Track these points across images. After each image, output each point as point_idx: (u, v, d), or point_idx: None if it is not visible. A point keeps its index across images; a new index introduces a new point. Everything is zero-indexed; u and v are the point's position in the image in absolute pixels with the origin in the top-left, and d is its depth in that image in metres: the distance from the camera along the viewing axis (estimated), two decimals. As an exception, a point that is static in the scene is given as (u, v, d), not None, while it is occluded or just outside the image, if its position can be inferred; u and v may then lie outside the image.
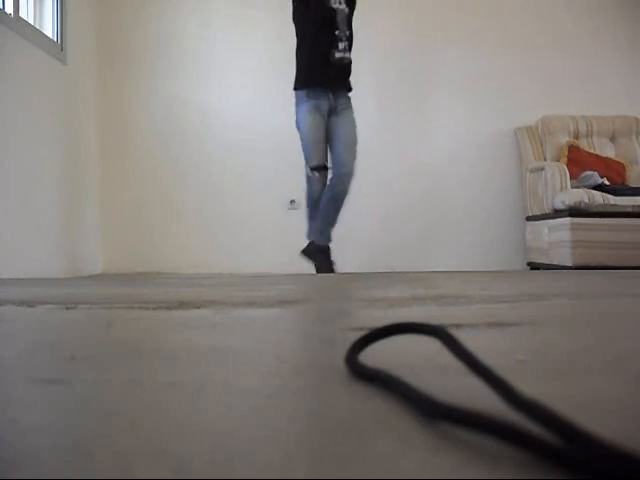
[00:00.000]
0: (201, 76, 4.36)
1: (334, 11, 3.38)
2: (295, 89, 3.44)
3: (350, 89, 3.47)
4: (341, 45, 3.37)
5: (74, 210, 3.86)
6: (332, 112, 3.42)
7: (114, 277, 3.59)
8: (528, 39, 4.43)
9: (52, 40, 3.60)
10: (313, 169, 3.38)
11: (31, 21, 3.40)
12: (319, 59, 3.37)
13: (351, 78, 3.45)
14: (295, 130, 3.48)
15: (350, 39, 3.43)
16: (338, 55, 3.36)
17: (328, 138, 3.44)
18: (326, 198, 3.37)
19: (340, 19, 3.39)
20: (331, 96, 3.40)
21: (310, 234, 3.46)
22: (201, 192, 4.30)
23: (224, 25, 4.38)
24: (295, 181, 4.23)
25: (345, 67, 3.40)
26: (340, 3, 3.41)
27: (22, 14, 3.25)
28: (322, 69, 3.36)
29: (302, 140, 3.42)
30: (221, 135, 4.32)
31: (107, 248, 4.28)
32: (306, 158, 3.41)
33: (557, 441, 0.32)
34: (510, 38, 4.42)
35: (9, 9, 3.08)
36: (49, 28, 3.62)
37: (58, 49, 3.65)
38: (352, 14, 3.46)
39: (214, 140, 4.32)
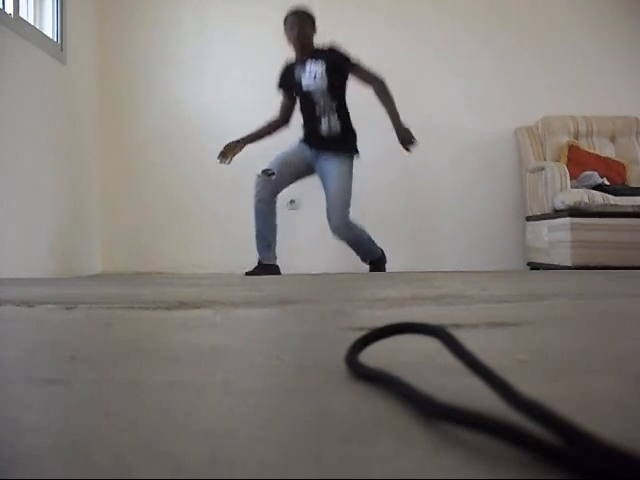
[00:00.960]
0: (201, 76, 4.36)
1: (308, 93, 3.34)
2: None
3: (350, 152, 3.37)
4: (324, 121, 3.33)
5: (73, 209, 3.86)
6: (317, 165, 3.38)
7: (114, 277, 3.59)
8: (528, 39, 4.43)
9: (52, 40, 3.60)
10: (263, 170, 3.40)
11: (31, 21, 3.40)
12: (310, 133, 3.39)
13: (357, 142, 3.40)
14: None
15: (339, 106, 3.34)
16: (324, 130, 3.34)
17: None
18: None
19: (317, 97, 3.33)
20: (315, 153, 3.36)
21: (258, 250, 3.41)
22: (201, 192, 4.30)
23: (224, 24, 4.38)
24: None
25: (336, 139, 3.33)
26: (314, 79, 3.32)
27: (22, 14, 3.25)
28: (313, 138, 3.37)
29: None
30: (221, 135, 4.31)
31: (107, 248, 4.28)
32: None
33: (557, 441, 0.32)
34: (510, 38, 4.42)
35: (9, 9, 3.08)
36: (49, 28, 3.62)
37: (58, 49, 3.65)
38: (339, 81, 3.34)
39: (214, 140, 4.31)
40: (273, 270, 3.39)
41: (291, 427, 0.40)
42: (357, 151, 3.39)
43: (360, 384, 0.51)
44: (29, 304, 1.33)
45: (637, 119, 4.28)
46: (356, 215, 4.12)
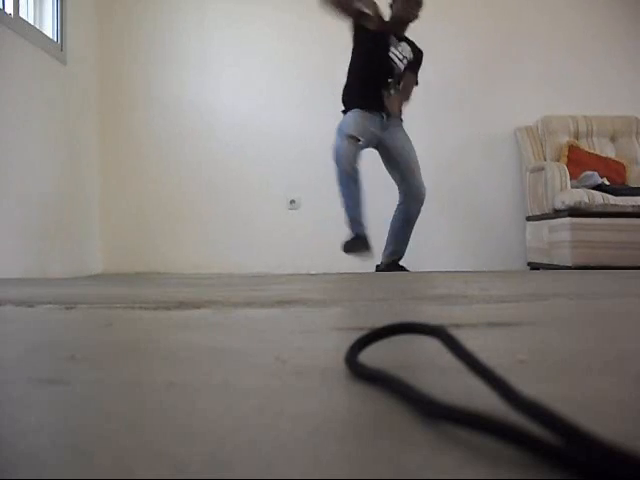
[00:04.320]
0: (201, 76, 4.36)
1: (394, 63, 3.38)
2: (346, 108, 3.39)
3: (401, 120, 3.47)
4: (390, 93, 3.35)
5: (74, 209, 3.86)
6: (386, 135, 3.37)
7: (114, 277, 3.59)
8: (528, 39, 4.43)
9: (52, 40, 3.60)
10: (347, 135, 3.23)
11: (31, 21, 3.40)
12: (372, 92, 3.34)
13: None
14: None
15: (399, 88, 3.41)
16: (388, 95, 3.33)
17: (389, 163, 3.42)
18: (399, 221, 3.40)
19: (397, 72, 3.38)
20: (385, 118, 3.37)
21: (352, 223, 3.28)
22: (201, 192, 4.30)
23: (224, 24, 4.38)
24: (295, 181, 4.24)
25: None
26: (404, 57, 3.39)
27: (22, 14, 3.25)
28: (375, 100, 3.34)
29: (339, 127, 3.30)
30: (221, 135, 4.32)
31: (107, 248, 4.28)
32: (340, 130, 3.27)
33: (557, 441, 0.32)
34: (510, 38, 4.42)
35: (9, 9, 3.08)
36: (49, 28, 3.62)
37: (58, 49, 3.65)
38: (413, 72, 3.44)
39: (214, 140, 4.32)
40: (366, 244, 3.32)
41: (291, 427, 0.40)
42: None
43: (360, 384, 0.51)
44: (29, 304, 1.33)
45: (637, 119, 4.28)
46: (356, 215, 4.12)
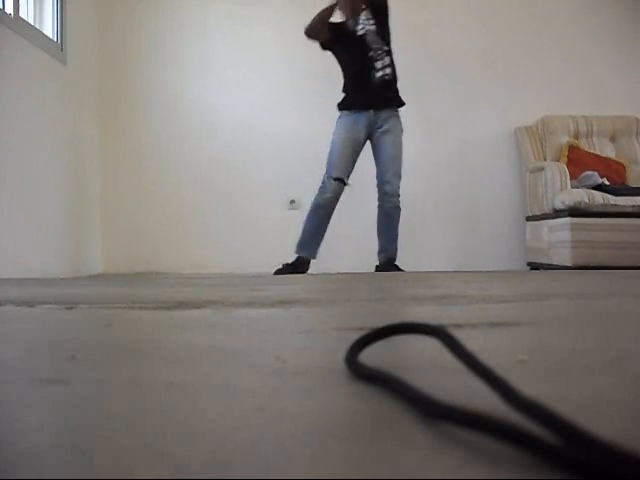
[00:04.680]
0: (201, 76, 4.36)
1: (361, 37, 3.42)
2: (339, 109, 3.49)
3: (399, 104, 3.49)
4: (379, 64, 3.42)
5: (74, 210, 3.86)
6: (374, 130, 3.44)
7: (114, 277, 3.59)
8: (528, 39, 4.43)
9: (52, 40, 3.60)
10: (331, 178, 3.39)
11: (31, 21, 3.40)
12: (360, 84, 3.42)
13: (400, 93, 3.49)
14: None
15: (388, 52, 3.45)
16: (378, 75, 3.41)
17: (374, 155, 3.48)
18: (380, 217, 3.45)
19: (370, 39, 3.42)
20: (372, 114, 3.42)
21: (299, 247, 3.43)
22: (201, 192, 4.30)
23: (224, 24, 4.37)
24: (295, 181, 4.24)
25: (387, 84, 3.43)
26: (367, 24, 3.44)
27: (22, 14, 3.25)
28: (363, 92, 3.41)
29: (330, 149, 3.44)
30: (221, 135, 4.32)
31: (107, 248, 4.28)
32: (328, 166, 3.43)
33: (557, 441, 0.32)
34: (510, 38, 4.42)
35: (9, 9, 3.08)
36: (49, 28, 3.62)
37: (58, 49, 3.65)
38: (384, 26, 3.46)
39: (214, 140, 4.32)
40: (305, 267, 3.42)
41: (291, 427, 0.40)
42: (403, 102, 3.50)
43: (360, 384, 0.51)
44: (29, 304, 1.33)
45: (637, 119, 4.28)
46: (357, 215, 4.13)
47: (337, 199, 3.41)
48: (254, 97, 4.31)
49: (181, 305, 1.28)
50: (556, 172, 3.80)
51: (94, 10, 4.26)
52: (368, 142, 3.50)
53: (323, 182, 3.41)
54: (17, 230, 3.08)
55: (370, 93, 3.40)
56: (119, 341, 0.85)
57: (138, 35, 4.35)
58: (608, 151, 4.21)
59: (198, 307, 1.25)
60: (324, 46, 3.51)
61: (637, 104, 4.37)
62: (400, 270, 3.45)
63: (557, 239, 3.71)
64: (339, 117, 3.48)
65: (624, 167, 4.12)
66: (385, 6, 3.48)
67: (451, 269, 3.96)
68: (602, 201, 3.60)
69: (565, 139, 4.20)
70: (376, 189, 3.47)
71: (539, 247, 3.97)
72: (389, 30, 3.48)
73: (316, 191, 3.47)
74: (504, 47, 4.42)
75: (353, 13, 3.46)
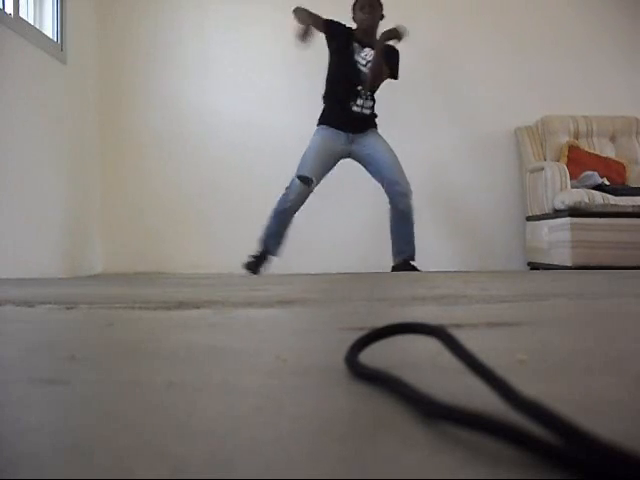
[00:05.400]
0: (201, 76, 4.36)
1: (358, 71, 3.43)
2: (319, 123, 3.50)
3: (374, 127, 3.52)
4: (360, 101, 3.45)
5: (74, 210, 3.86)
6: (356, 147, 3.45)
7: (114, 277, 3.59)
8: (528, 39, 4.43)
9: (52, 40, 3.60)
10: (299, 177, 3.39)
11: (31, 21, 3.40)
12: (338, 108, 3.44)
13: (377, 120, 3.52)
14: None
15: (373, 98, 3.48)
16: (356, 109, 3.44)
17: (370, 171, 3.48)
18: (395, 219, 3.44)
19: (364, 77, 3.43)
20: (350, 135, 3.45)
21: (262, 241, 3.45)
22: (201, 192, 4.30)
23: (223, 24, 4.37)
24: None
25: (364, 118, 3.47)
26: (366, 65, 3.44)
27: (22, 14, 3.25)
28: (342, 118, 3.43)
29: (304, 153, 3.45)
30: (221, 135, 4.32)
31: (107, 248, 4.28)
32: (299, 167, 3.43)
33: (557, 441, 0.32)
34: (510, 38, 4.42)
35: (9, 9, 3.08)
36: (49, 28, 3.62)
37: (58, 49, 3.65)
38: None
39: (214, 140, 4.32)
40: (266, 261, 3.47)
41: (291, 427, 0.40)
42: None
43: (360, 384, 0.51)
44: (29, 304, 1.33)
45: (637, 119, 4.28)
46: (357, 215, 4.13)
47: (302, 201, 3.41)
48: (253, 96, 4.31)
49: (181, 305, 1.28)
50: (556, 172, 3.80)
51: (94, 10, 4.26)
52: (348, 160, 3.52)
53: (289, 184, 3.42)
54: (17, 230, 3.08)
55: (349, 120, 3.44)
56: (119, 341, 0.85)
57: (138, 35, 4.35)
58: (608, 151, 4.21)
59: (198, 307, 1.25)
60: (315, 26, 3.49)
61: (637, 104, 4.37)
62: (417, 270, 3.43)
63: (557, 239, 3.71)
64: (317, 130, 3.49)
65: (624, 167, 4.12)
66: (392, 67, 3.49)
67: (451, 269, 3.96)
68: (602, 201, 3.60)
69: (565, 139, 4.19)
70: (385, 194, 3.45)
71: (539, 247, 3.97)
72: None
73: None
74: (504, 47, 4.41)
75: (365, 35, 3.45)
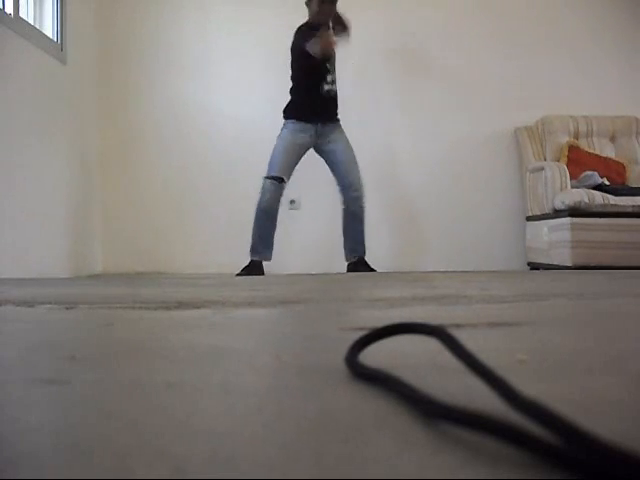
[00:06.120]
0: (201, 76, 4.36)
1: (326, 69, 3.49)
2: (285, 118, 3.55)
3: (337, 117, 3.57)
4: (329, 77, 3.50)
5: (74, 209, 3.86)
6: (321, 141, 3.50)
7: (114, 277, 3.59)
8: (528, 39, 4.43)
9: (52, 40, 3.60)
10: (268, 177, 3.45)
11: (31, 21, 3.40)
12: (310, 94, 3.49)
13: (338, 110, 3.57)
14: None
15: (334, 69, 3.54)
16: (326, 88, 3.49)
17: (328, 165, 3.54)
18: (347, 219, 3.50)
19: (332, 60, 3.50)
20: (319, 127, 3.49)
21: (252, 249, 3.50)
22: (201, 192, 4.30)
23: (223, 24, 4.37)
24: (295, 181, 4.23)
25: (332, 99, 3.53)
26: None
27: (22, 14, 3.25)
28: (312, 105, 3.48)
29: (273, 152, 3.50)
30: (221, 135, 4.32)
31: (107, 247, 4.28)
32: (268, 167, 3.48)
33: (557, 441, 0.32)
34: (510, 38, 4.42)
35: (9, 9, 3.08)
36: (49, 28, 3.62)
37: (58, 49, 3.65)
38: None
39: (214, 140, 4.32)
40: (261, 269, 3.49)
41: (291, 427, 0.40)
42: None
43: (360, 384, 0.51)
44: (29, 304, 1.33)
45: (637, 119, 4.28)
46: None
47: (278, 200, 3.46)
48: (254, 97, 4.31)
49: (181, 305, 1.28)
50: (556, 172, 3.80)
51: (94, 10, 4.26)
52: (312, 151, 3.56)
53: (262, 186, 3.47)
54: (17, 230, 3.08)
55: (318, 106, 3.48)
56: (119, 341, 0.85)
57: (138, 35, 4.35)
58: (608, 151, 4.21)
59: (198, 307, 1.25)
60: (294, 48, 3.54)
61: (637, 104, 4.37)
62: (372, 270, 3.49)
63: (557, 239, 3.71)
64: (284, 125, 3.53)
65: (624, 167, 4.12)
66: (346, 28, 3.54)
67: (451, 269, 3.96)
68: (602, 201, 3.59)
69: (565, 139, 4.19)
70: (340, 194, 3.51)
71: (539, 247, 3.96)
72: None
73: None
74: (504, 47, 4.41)
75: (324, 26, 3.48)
